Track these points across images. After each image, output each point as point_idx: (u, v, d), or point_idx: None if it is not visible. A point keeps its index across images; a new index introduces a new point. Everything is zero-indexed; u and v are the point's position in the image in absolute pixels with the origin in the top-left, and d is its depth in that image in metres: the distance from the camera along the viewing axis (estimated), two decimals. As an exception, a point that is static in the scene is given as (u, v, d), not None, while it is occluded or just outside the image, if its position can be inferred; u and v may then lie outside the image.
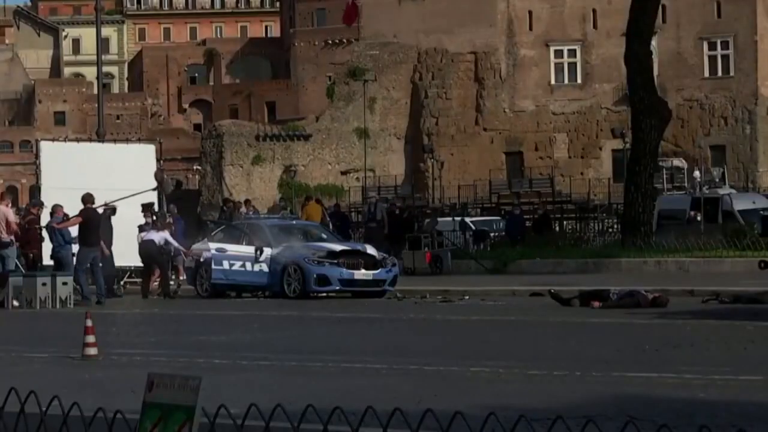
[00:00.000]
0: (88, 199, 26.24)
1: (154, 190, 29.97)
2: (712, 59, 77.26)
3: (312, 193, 54.92)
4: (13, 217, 26.94)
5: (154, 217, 28.99)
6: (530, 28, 79.20)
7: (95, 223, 26.15)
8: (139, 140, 54.44)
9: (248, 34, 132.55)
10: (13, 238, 26.84)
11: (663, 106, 36.29)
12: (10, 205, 27.87)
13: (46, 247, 27.43)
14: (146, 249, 28.16)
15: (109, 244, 27.47)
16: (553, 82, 79.43)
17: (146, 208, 29.11)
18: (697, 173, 65.53)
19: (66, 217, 26.64)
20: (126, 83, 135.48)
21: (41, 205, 28.40)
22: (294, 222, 31.80)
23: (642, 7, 35.47)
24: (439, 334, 17.79)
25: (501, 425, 5.57)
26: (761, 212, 36.23)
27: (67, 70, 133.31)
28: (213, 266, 26.89)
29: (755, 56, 76.19)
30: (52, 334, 19.50)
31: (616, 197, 61.92)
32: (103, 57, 49.12)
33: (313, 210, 38.61)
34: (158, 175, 29.47)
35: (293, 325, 20.03)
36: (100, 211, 27.11)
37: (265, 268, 26.47)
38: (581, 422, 5.77)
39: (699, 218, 38.45)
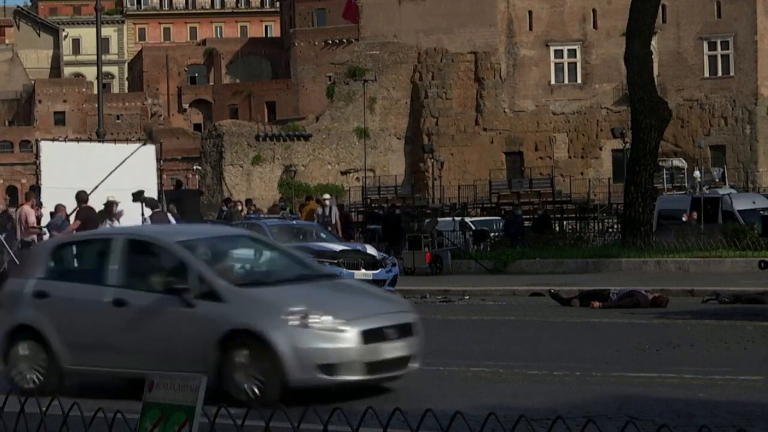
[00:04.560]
0: (83, 197, 26.13)
1: (144, 143, 29.42)
2: (712, 59, 77.28)
3: (312, 193, 54.91)
4: (33, 218, 26.87)
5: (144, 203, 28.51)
6: (530, 28, 79.22)
7: (93, 221, 25.93)
8: (139, 140, 54.43)
9: (248, 34, 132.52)
10: (35, 238, 26.80)
11: (663, 106, 36.26)
12: (33, 205, 27.71)
13: (46, 247, 27.34)
14: None
15: None
16: (553, 82, 79.46)
17: (137, 196, 28.59)
18: (697, 173, 65.49)
19: (67, 219, 26.53)
20: (126, 83, 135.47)
21: (40, 205, 28.33)
22: (294, 222, 31.75)
23: (642, 7, 35.45)
24: (439, 334, 17.80)
25: (501, 425, 5.57)
26: (761, 212, 36.16)
27: (67, 70, 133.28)
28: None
29: (755, 56, 76.21)
30: (52, 334, 19.47)
31: (616, 197, 61.93)
32: (103, 57, 49.10)
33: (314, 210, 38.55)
34: (148, 128, 29.22)
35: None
36: (119, 202, 27.02)
37: (265, 268, 26.41)
38: (581, 422, 5.77)
39: (685, 219, 38.42)
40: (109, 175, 28.82)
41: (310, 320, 10.98)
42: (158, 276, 12.02)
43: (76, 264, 13.20)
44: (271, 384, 10.83)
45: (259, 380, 10.89)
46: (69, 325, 12.07)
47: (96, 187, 28.04)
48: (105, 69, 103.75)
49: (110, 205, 27.21)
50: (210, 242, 12.61)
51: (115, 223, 27.17)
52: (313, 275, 12.33)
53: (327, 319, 11.03)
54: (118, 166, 29.46)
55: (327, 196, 39.92)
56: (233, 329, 11.06)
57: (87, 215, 25.79)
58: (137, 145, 38.94)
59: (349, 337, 11.01)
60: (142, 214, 28.48)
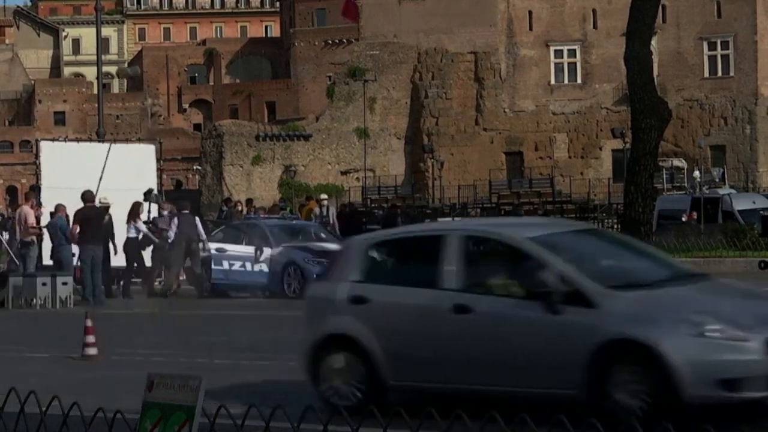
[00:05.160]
0: (89, 197, 26.08)
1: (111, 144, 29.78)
2: (712, 59, 77.30)
3: (312, 193, 54.93)
4: (33, 218, 26.83)
5: (149, 203, 28.51)
6: (530, 28, 79.23)
7: (94, 221, 25.86)
8: (139, 140, 54.43)
9: (248, 34, 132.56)
10: (34, 238, 26.78)
11: (663, 106, 36.22)
12: (33, 205, 27.68)
13: (46, 247, 27.29)
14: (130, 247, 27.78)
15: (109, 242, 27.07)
16: (553, 82, 79.47)
17: (146, 195, 28.59)
18: (697, 173, 65.54)
19: (67, 219, 26.47)
20: (126, 83, 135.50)
21: (40, 205, 28.30)
22: (294, 222, 31.73)
23: (642, 7, 35.41)
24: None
25: (501, 425, 5.57)
26: (761, 212, 36.19)
27: (67, 70, 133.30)
28: (213, 266, 26.86)
29: (755, 56, 76.22)
30: (52, 334, 19.49)
31: (616, 197, 61.94)
32: (103, 57, 49.09)
33: (313, 210, 38.48)
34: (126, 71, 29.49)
35: (293, 325, 20.00)
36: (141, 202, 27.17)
37: (265, 268, 26.41)
38: (581, 422, 5.77)
39: (685, 219, 38.43)
40: (101, 176, 28.80)
41: (706, 329, 9.50)
42: (509, 278, 10.43)
43: (399, 265, 11.34)
44: (660, 401, 9.26)
45: (645, 397, 9.35)
46: (396, 335, 10.50)
47: (97, 189, 28.05)
48: (105, 69, 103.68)
49: (137, 205, 27.41)
50: (561, 238, 10.84)
51: (139, 223, 27.29)
52: (686, 275, 10.69)
53: (725, 327, 9.51)
54: (103, 168, 29.45)
55: (324, 196, 39.84)
56: (613, 339, 9.56)
57: (85, 215, 25.67)
58: (138, 144, 39.01)
59: (753, 348, 9.40)
60: (149, 212, 28.57)
